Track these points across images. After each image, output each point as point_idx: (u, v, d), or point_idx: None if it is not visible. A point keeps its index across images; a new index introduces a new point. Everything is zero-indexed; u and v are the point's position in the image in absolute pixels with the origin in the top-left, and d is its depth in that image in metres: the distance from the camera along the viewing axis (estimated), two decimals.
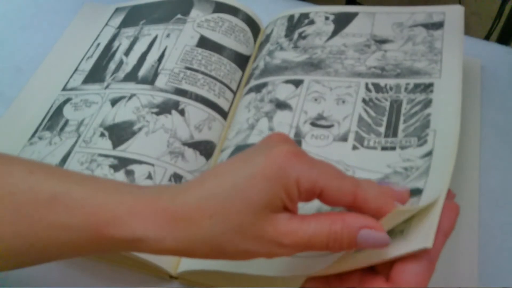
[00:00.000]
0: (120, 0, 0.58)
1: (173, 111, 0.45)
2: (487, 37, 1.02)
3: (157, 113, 0.45)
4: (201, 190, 0.27)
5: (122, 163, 0.42)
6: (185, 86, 0.47)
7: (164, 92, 0.47)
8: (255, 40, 0.53)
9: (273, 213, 0.27)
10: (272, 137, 0.29)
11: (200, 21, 0.52)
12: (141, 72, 0.49)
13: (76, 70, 0.52)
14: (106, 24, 0.56)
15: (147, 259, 0.38)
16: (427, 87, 0.40)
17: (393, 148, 0.38)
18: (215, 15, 0.52)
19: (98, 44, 0.54)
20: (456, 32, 0.44)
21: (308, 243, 0.27)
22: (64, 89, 0.51)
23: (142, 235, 0.27)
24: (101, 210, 0.27)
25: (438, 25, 0.45)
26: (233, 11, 0.52)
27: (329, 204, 0.28)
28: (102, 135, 0.44)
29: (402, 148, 0.37)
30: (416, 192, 0.32)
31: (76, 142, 0.45)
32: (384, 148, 0.38)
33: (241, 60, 0.51)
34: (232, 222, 0.26)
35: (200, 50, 0.49)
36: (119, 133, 0.44)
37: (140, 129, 0.44)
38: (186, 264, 0.38)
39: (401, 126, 0.39)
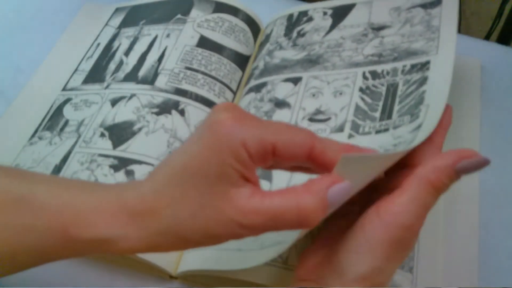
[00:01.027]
0: (120, 0, 0.58)
1: (173, 111, 0.45)
2: (487, 37, 1.02)
3: (157, 113, 0.45)
4: (157, 179, 0.27)
5: (122, 163, 0.42)
6: (185, 86, 0.47)
7: (164, 92, 0.47)
8: (255, 40, 0.53)
9: (231, 187, 0.25)
10: (215, 108, 0.27)
11: (200, 21, 0.52)
12: (141, 72, 0.49)
13: (76, 70, 0.52)
14: (106, 24, 0.56)
15: (147, 259, 0.38)
16: (424, 65, 0.39)
17: (386, 130, 0.37)
18: (215, 15, 0.52)
19: (98, 44, 0.54)
20: (452, 7, 0.42)
21: (274, 221, 0.25)
22: (64, 89, 0.51)
23: (108, 235, 0.26)
24: (66, 211, 0.26)
25: (436, 3, 0.44)
26: (233, 11, 0.53)
27: (285, 160, 0.27)
28: (102, 135, 0.44)
29: (395, 127, 0.37)
30: None
31: (76, 142, 0.45)
32: (378, 132, 0.38)
33: (241, 60, 0.51)
34: (187, 207, 0.26)
35: (200, 50, 0.49)
36: (119, 133, 0.44)
37: (140, 129, 0.44)
38: (186, 264, 0.38)
39: (396, 108, 0.38)
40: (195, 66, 0.48)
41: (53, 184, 0.28)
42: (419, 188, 0.28)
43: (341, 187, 0.26)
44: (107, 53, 0.52)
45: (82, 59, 0.53)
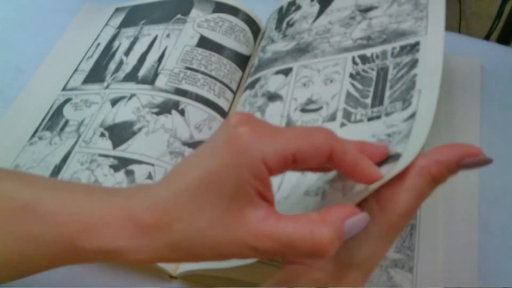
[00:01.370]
0: (120, 0, 0.58)
1: (173, 111, 0.45)
2: (487, 37, 1.02)
3: (157, 113, 0.45)
4: (168, 190, 0.26)
5: (122, 163, 0.42)
6: (185, 86, 0.47)
7: (164, 92, 0.47)
8: (255, 40, 0.53)
9: (247, 206, 0.25)
10: (230, 119, 0.26)
11: (200, 21, 0.52)
12: (141, 72, 0.49)
13: (76, 70, 0.52)
14: (106, 24, 0.56)
15: None
16: (413, 47, 0.38)
17: (378, 117, 0.36)
18: (215, 15, 0.52)
19: (98, 44, 0.54)
20: None
21: (286, 248, 0.24)
22: (64, 89, 0.51)
23: (115, 246, 0.26)
24: (72, 221, 0.26)
25: None
26: (233, 11, 0.53)
27: (305, 165, 0.26)
28: (102, 135, 0.44)
29: (387, 115, 0.35)
30: (395, 158, 0.30)
31: (76, 142, 0.45)
32: (370, 119, 0.36)
33: (241, 60, 0.51)
34: (200, 224, 0.25)
35: (200, 50, 0.49)
36: (119, 133, 0.44)
37: (140, 129, 0.44)
38: (186, 265, 0.38)
39: (387, 93, 0.37)
40: (195, 66, 0.48)
41: (59, 190, 0.28)
42: (418, 178, 0.28)
43: (358, 219, 0.25)
44: (107, 53, 0.52)
45: (82, 59, 0.53)
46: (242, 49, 0.51)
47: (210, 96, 0.47)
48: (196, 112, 0.46)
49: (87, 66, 0.52)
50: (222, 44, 0.50)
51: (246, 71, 0.51)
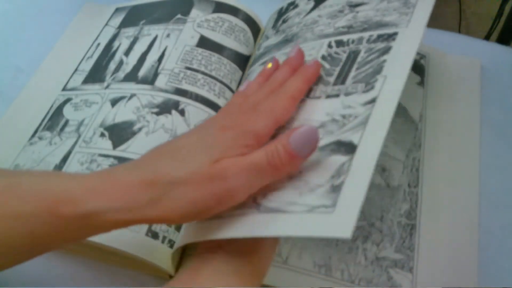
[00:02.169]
0: (120, 0, 0.58)
1: (173, 111, 0.45)
2: (487, 37, 1.02)
3: (157, 113, 0.45)
4: (156, 162, 0.29)
5: (122, 163, 0.42)
6: (185, 86, 0.47)
7: (164, 92, 0.47)
8: (255, 40, 0.53)
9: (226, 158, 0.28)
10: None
11: (200, 21, 0.52)
12: (141, 72, 0.49)
13: (76, 70, 0.52)
14: (106, 24, 0.56)
15: (147, 259, 0.38)
16: (390, 36, 0.38)
17: (337, 96, 0.35)
18: (215, 15, 0.52)
19: (98, 44, 0.54)
20: None
21: (251, 166, 0.28)
22: (64, 89, 0.51)
23: (95, 209, 0.27)
24: (53, 192, 0.27)
25: None
26: (233, 11, 0.53)
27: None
28: (102, 135, 0.44)
29: (347, 94, 0.35)
30: (349, 149, 0.30)
31: (76, 142, 0.45)
32: (328, 96, 0.36)
33: (241, 60, 0.51)
34: (182, 174, 0.27)
35: (200, 50, 0.49)
36: (119, 133, 0.44)
37: (140, 129, 0.44)
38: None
39: (352, 74, 0.36)
40: (195, 66, 0.48)
41: (37, 173, 0.29)
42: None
43: (301, 130, 0.29)
44: (107, 53, 0.52)
45: (82, 59, 0.53)
46: (242, 49, 0.51)
47: (210, 96, 0.47)
48: (196, 112, 0.46)
49: (87, 66, 0.52)
50: (222, 44, 0.50)
51: (246, 71, 0.51)
